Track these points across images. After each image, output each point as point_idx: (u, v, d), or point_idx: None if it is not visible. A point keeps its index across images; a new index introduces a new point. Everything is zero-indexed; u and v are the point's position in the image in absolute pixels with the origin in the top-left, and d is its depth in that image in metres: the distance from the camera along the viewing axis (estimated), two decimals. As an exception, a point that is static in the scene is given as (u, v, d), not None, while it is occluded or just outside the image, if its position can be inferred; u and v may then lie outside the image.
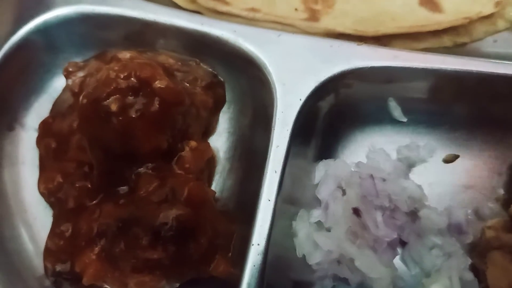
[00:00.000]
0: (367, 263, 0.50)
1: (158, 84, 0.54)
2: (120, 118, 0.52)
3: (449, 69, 0.58)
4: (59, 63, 0.65)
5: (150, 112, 0.53)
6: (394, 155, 0.61)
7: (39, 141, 0.62)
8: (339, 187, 0.56)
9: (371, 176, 0.54)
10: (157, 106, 0.54)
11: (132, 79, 0.53)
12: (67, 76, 0.64)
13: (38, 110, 0.65)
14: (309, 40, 0.61)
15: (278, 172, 0.54)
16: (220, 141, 0.62)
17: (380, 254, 0.51)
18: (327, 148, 0.62)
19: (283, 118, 0.57)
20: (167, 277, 0.50)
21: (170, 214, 0.49)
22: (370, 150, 0.60)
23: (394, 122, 0.63)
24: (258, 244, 0.51)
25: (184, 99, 0.56)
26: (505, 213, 0.56)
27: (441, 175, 0.60)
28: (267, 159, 0.55)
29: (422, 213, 0.54)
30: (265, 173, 0.54)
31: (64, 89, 0.65)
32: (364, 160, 0.60)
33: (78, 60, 0.66)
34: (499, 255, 0.51)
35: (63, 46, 0.66)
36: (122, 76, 0.53)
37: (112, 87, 0.53)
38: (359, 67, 0.59)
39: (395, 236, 0.51)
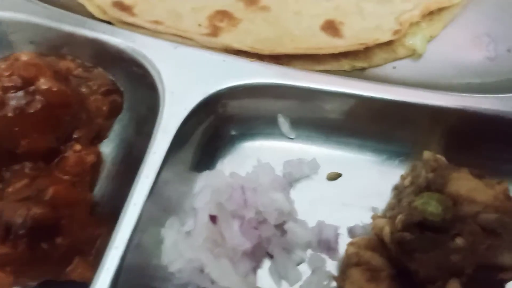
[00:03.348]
0: (220, 272, 0.50)
1: (41, 84, 0.55)
2: (-3, 115, 0.54)
3: (332, 90, 0.60)
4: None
5: (29, 111, 0.54)
6: (280, 170, 0.62)
7: None
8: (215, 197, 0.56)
9: (242, 187, 0.55)
10: (38, 106, 0.55)
11: (15, 77, 0.55)
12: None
13: None
14: (204, 53, 0.63)
15: (150, 178, 0.55)
16: (110, 147, 0.63)
17: (236, 264, 0.51)
18: (215, 159, 0.63)
19: (165, 125, 0.58)
20: (19, 274, 0.50)
21: (25, 212, 0.50)
22: (256, 164, 0.61)
23: (284, 137, 0.64)
24: (116, 248, 0.52)
25: (69, 101, 0.58)
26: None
27: (323, 192, 0.61)
28: (142, 165, 0.56)
29: (287, 226, 0.54)
30: (136, 178, 0.55)
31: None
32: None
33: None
34: (358, 273, 0.51)
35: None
36: (6, 74, 0.55)
37: (-6, 84, 0.55)
38: (248, 83, 0.61)
39: (248, 245, 0.51)
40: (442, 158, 0.58)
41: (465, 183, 0.52)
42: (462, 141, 0.60)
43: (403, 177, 0.59)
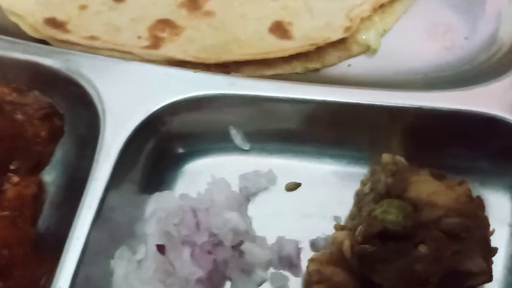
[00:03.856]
0: (173, 304, 0.47)
1: (-34, 118, 0.52)
2: None
3: (283, 96, 0.57)
4: None
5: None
6: (237, 184, 0.59)
7: None
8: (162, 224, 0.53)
9: (193, 209, 0.52)
10: (-36, 141, 0.51)
11: None
12: None
13: None
14: (145, 68, 0.59)
15: (93, 208, 0.51)
16: (53, 174, 0.59)
17: (190, 293, 0.49)
18: (166, 180, 0.59)
19: (106, 149, 0.54)
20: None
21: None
22: (210, 181, 0.58)
23: (238, 150, 0.61)
24: (60, 288, 0.48)
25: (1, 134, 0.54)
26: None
27: (282, 204, 0.58)
28: (84, 194, 0.52)
29: (244, 247, 0.51)
30: (79, 209, 0.51)
31: None
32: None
33: None
34: (319, 291, 0.49)
35: None
36: None
37: None
38: (192, 96, 0.57)
39: (201, 273, 0.48)
40: (401, 160, 0.55)
41: (425, 187, 0.50)
42: (421, 140, 0.58)
43: (363, 182, 0.56)
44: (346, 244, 0.48)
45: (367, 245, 0.47)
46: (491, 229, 0.49)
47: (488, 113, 0.55)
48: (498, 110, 0.55)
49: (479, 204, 0.49)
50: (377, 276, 0.47)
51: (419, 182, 0.50)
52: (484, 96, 0.56)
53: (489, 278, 0.48)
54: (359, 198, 0.54)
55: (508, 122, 0.55)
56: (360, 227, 0.48)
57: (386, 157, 0.55)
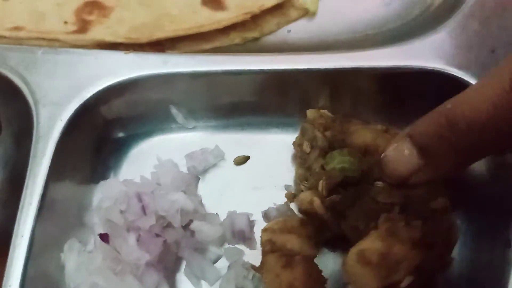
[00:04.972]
0: (124, 291, 0.47)
1: None
2: None
3: (220, 70, 0.55)
4: None
5: None
6: (184, 164, 0.58)
7: None
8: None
9: (137, 194, 0.51)
10: None
11: None
12: None
13: None
14: (74, 54, 0.56)
15: (34, 204, 0.49)
16: (-6, 174, 0.58)
17: (142, 279, 0.47)
18: (111, 167, 0.58)
19: (42, 143, 0.52)
20: None
21: None
22: (157, 163, 0.57)
23: (183, 129, 0.59)
24: (10, 286, 0.47)
25: None
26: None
27: (232, 179, 0.57)
28: (24, 191, 0.50)
29: (194, 226, 0.50)
30: (20, 207, 0.50)
31: None
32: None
33: None
34: (273, 259, 0.48)
35: None
36: None
37: None
38: (126, 79, 0.55)
39: (148, 257, 0.47)
40: (325, 113, 0.55)
41: (366, 132, 0.50)
42: (366, 98, 0.58)
43: (296, 144, 0.56)
44: (317, 201, 0.47)
45: (334, 196, 0.47)
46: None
47: (425, 66, 0.54)
48: (436, 62, 0.55)
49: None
50: (348, 221, 0.47)
51: (359, 130, 0.51)
52: (421, 49, 0.55)
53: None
54: (303, 159, 0.54)
55: (447, 74, 0.55)
56: (321, 182, 0.48)
57: (310, 113, 0.54)
